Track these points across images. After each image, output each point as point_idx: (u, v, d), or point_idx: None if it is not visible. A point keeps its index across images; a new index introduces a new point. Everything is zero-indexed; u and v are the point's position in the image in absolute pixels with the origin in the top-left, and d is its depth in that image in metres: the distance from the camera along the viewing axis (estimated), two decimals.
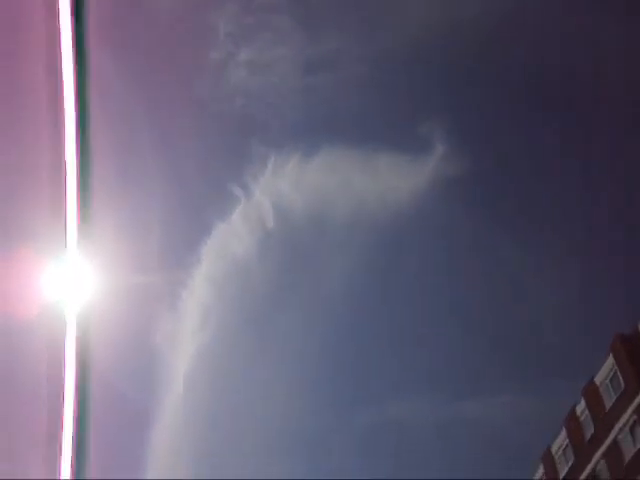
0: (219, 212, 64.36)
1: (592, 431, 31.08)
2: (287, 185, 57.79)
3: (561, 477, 33.02)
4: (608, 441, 29.85)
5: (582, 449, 31.66)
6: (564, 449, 33.27)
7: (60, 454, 2.27)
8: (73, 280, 2.24)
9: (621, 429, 29.18)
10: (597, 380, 31.17)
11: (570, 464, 32.44)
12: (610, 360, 30.29)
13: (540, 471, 35.15)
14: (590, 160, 50.17)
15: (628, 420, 29.01)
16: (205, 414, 59.64)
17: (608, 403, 30.17)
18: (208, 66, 51.62)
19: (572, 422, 32.78)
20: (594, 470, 30.54)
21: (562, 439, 33.49)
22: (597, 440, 30.63)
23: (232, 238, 55.62)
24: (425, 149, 57.67)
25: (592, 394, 31.45)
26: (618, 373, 29.65)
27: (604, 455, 30.10)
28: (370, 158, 56.99)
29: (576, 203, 52.00)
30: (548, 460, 34.47)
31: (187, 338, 55.82)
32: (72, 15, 2.34)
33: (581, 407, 32.24)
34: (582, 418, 32.10)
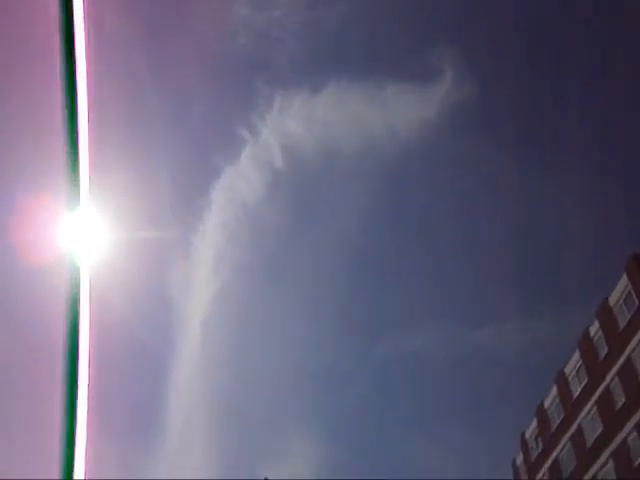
0: (227, 155, 63.57)
1: (606, 351, 31.46)
2: (294, 123, 56.78)
3: (574, 397, 33.72)
4: (622, 359, 30.21)
5: (595, 369, 32.15)
6: (577, 370, 33.81)
7: (76, 408, 2.15)
8: (85, 230, 2.12)
9: (635, 346, 29.45)
10: (611, 300, 31.29)
11: (584, 384, 33.05)
12: (624, 280, 30.30)
13: (554, 392, 35.91)
14: (605, 83, 48.70)
15: None
16: (223, 357, 60.90)
17: (622, 322, 30.37)
18: (210, 6, 49.80)
19: (585, 343, 33.19)
20: (608, 387, 31.10)
21: (575, 360, 34.01)
22: (611, 359, 31.02)
23: (241, 181, 55.19)
24: (434, 77, 56.07)
25: (606, 314, 31.66)
26: (632, 292, 29.70)
27: (618, 373, 30.53)
28: (378, 90, 55.61)
29: (591, 125, 50.92)
30: (561, 381, 35.14)
31: (201, 284, 56.32)
32: None
33: (594, 328, 32.53)
34: (595, 339, 32.44)
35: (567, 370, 34.73)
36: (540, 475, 36.82)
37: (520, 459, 39.77)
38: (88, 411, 2.27)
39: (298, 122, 57.35)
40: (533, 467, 37.81)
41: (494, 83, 57.43)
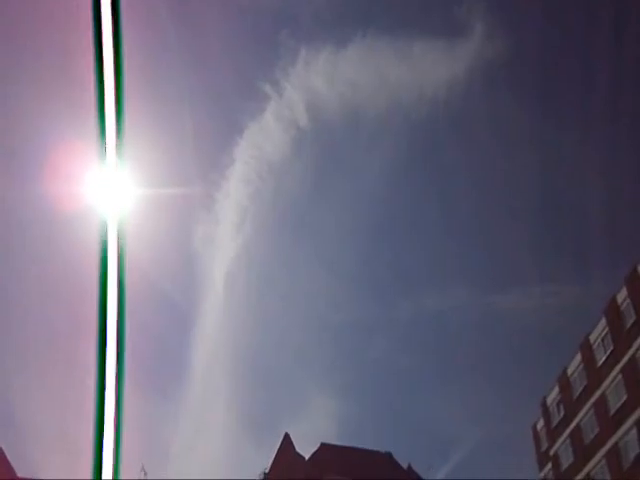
0: (250, 111, 63.04)
1: (633, 319, 31.00)
2: (319, 80, 55.81)
3: (599, 364, 33.45)
4: None
5: (622, 337, 31.74)
6: (603, 338, 33.43)
7: (105, 348, 2.16)
8: (113, 184, 2.12)
9: None
10: None
11: (609, 352, 32.71)
12: None
13: (577, 359, 35.67)
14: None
15: None
16: (245, 311, 61.59)
17: None
18: None
19: (612, 311, 32.72)
20: (634, 356, 30.76)
21: (601, 328, 33.59)
22: (638, 328, 30.57)
23: (265, 137, 54.76)
24: (463, 33, 54.39)
25: (635, 282, 31.10)
26: None
27: None
28: (405, 46, 54.18)
29: (623, 84, 49.16)
30: (586, 348, 34.84)
31: (225, 239, 56.67)
32: None
33: (622, 296, 32.02)
34: (623, 307, 31.96)
35: (592, 337, 34.37)
36: (561, 440, 36.92)
37: (541, 424, 39.85)
38: (116, 360, 2.28)
39: (323, 79, 56.49)
40: (554, 433, 37.87)
41: (525, 38, 55.41)
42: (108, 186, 2.20)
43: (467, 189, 61.21)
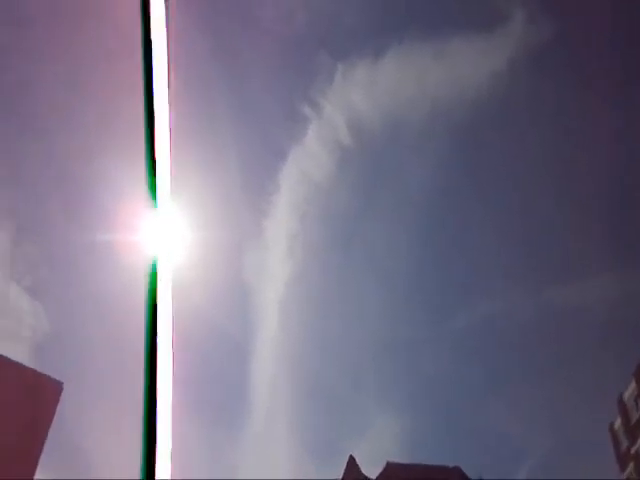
0: (292, 135, 62.93)
1: None
2: (358, 94, 55.02)
3: None
4: None
5: None
6: None
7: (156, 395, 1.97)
8: (163, 224, 2.15)
9: None
10: None
11: None
12: None
13: None
14: None
15: None
16: (301, 336, 60.87)
17: None
18: None
19: None
20: None
21: None
22: None
23: (309, 159, 54.31)
24: (503, 21, 52.76)
25: None
26: None
27: None
28: (443, 46, 52.92)
29: None
30: None
31: (276, 267, 56.25)
32: None
33: None
34: None
35: None
36: None
37: (618, 422, 37.67)
38: (172, 398, 1.95)
39: (362, 93, 55.67)
40: (634, 430, 35.69)
41: (571, 22, 52.74)
42: (158, 226, 2.11)
43: (517, 186, 59.14)
